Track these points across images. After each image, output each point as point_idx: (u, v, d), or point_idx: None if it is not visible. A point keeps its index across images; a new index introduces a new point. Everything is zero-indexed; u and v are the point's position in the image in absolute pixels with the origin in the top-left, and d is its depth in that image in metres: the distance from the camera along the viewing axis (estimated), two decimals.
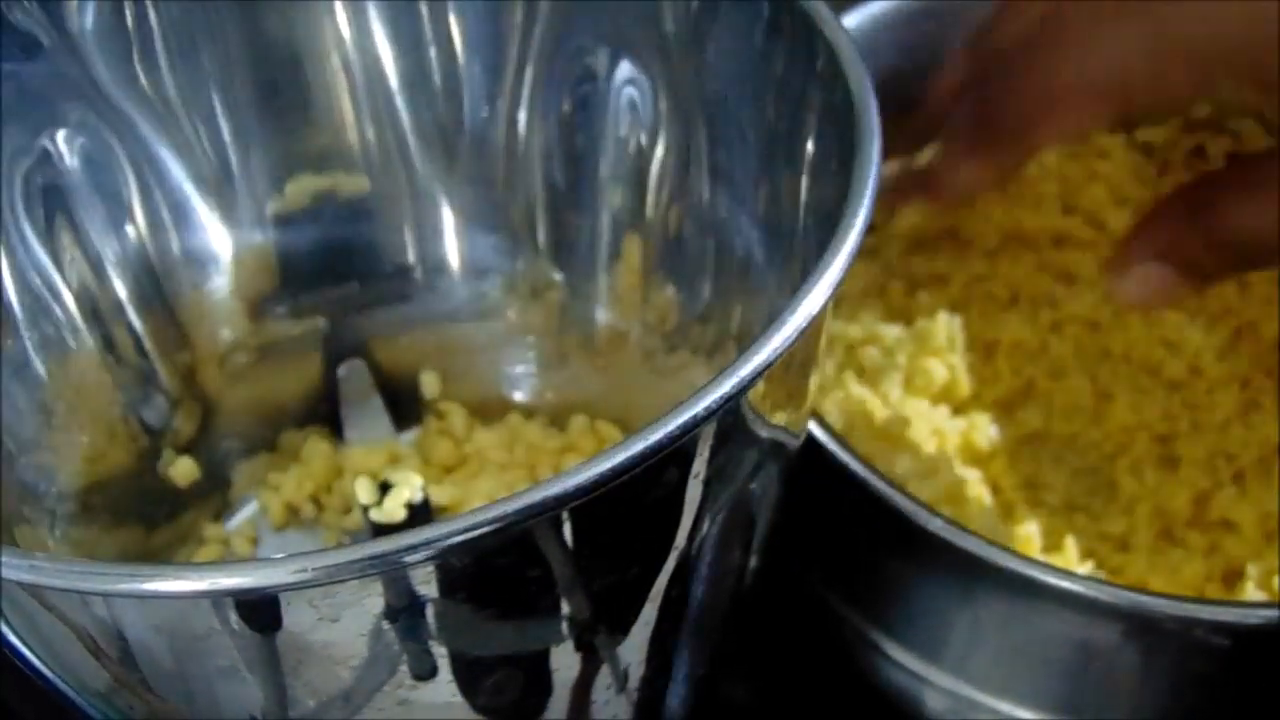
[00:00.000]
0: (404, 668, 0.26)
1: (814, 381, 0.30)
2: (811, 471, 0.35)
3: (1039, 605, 0.34)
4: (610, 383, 0.41)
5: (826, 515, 0.38)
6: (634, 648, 0.28)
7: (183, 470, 0.39)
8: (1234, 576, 0.39)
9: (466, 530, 0.22)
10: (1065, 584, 0.33)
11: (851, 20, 0.44)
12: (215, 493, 0.40)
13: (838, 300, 0.43)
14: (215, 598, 0.23)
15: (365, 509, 0.37)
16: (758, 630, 0.36)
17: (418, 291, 0.41)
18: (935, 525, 0.34)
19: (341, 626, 0.24)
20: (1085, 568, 0.39)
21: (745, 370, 0.24)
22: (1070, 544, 0.39)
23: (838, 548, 0.39)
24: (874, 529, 0.36)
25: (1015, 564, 0.33)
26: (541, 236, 0.40)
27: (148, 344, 0.38)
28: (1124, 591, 0.33)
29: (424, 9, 0.37)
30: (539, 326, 0.41)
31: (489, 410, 0.42)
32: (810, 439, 0.35)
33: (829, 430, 0.35)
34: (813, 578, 0.39)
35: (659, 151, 0.37)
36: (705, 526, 0.27)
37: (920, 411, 0.41)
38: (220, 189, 0.39)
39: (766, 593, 0.34)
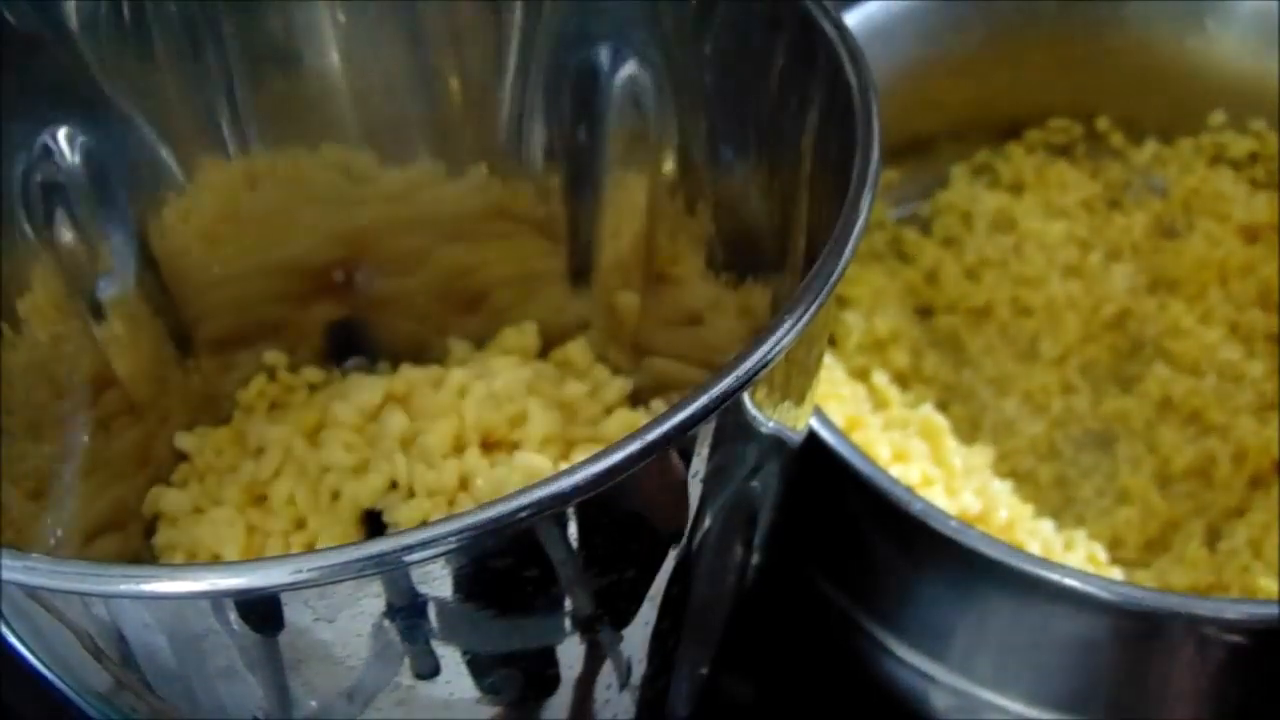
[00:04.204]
0: (403, 667, 0.26)
1: (815, 379, 0.30)
2: (816, 469, 0.35)
3: (1044, 603, 0.34)
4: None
5: (831, 513, 0.37)
6: (635, 647, 0.28)
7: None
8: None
9: (464, 531, 0.22)
10: (1070, 581, 0.33)
11: (871, 9, 0.44)
12: None
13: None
14: (214, 598, 0.23)
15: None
16: (762, 628, 0.36)
17: (420, 285, 0.41)
18: (940, 523, 0.33)
19: (338, 627, 0.24)
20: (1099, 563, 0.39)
21: (742, 369, 0.23)
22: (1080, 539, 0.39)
23: (843, 545, 0.38)
24: (879, 527, 0.36)
25: (1021, 562, 0.33)
26: (543, 231, 0.40)
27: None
28: (1128, 589, 0.33)
29: (424, 7, 0.37)
30: (541, 323, 0.41)
31: None
32: (814, 436, 0.35)
33: (833, 428, 0.35)
34: (817, 575, 0.39)
35: (660, 147, 0.37)
36: (705, 525, 0.27)
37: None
38: None
39: (771, 591, 0.34)
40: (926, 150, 0.48)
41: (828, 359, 0.44)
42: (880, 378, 0.43)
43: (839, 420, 0.40)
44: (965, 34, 0.46)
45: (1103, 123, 0.49)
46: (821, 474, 0.35)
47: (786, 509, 0.32)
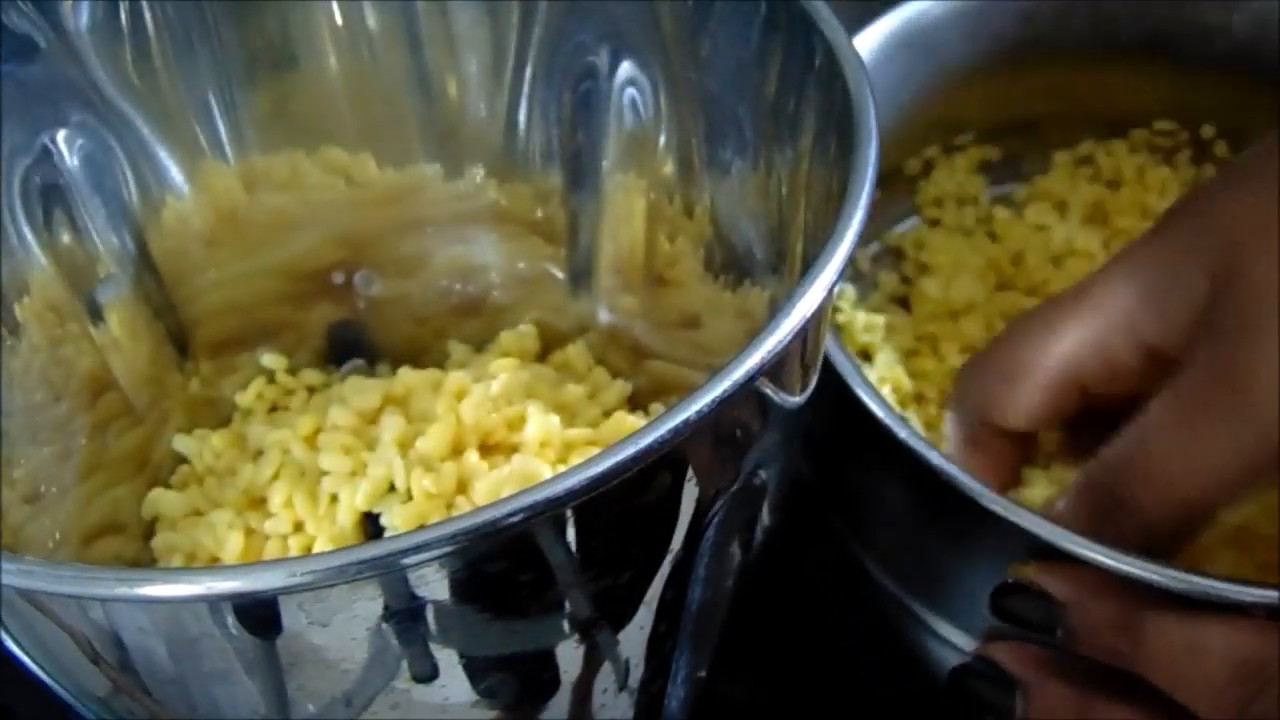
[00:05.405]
0: (399, 671, 0.26)
1: (814, 376, 0.30)
2: (863, 445, 0.34)
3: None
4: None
5: (878, 492, 0.37)
6: (631, 650, 0.28)
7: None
8: None
9: (459, 535, 0.22)
10: (1116, 563, 0.32)
11: (888, 24, 0.44)
12: None
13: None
14: (209, 602, 0.23)
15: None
16: (764, 627, 0.36)
17: (418, 288, 0.41)
18: (990, 501, 0.33)
19: (333, 631, 0.24)
20: None
21: (738, 373, 0.23)
22: None
23: (890, 526, 0.38)
24: (929, 504, 0.35)
25: (1070, 543, 0.32)
26: (542, 234, 0.40)
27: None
28: (1179, 572, 0.32)
29: (420, 8, 0.37)
30: (540, 325, 0.41)
31: None
32: (862, 410, 0.34)
33: (882, 402, 0.35)
34: (863, 553, 0.39)
35: (659, 149, 0.37)
36: (703, 527, 0.27)
37: None
38: None
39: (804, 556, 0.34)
40: (1031, 133, 0.48)
41: (896, 323, 0.44)
42: (949, 349, 0.43)
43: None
44: (1070, 25, 0.46)
45: (1208, 130, 0.48)
46: (868, 450, 0.35)
47: (786, 510, 0.32)
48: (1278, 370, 0.31)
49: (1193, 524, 0.33)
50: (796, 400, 0.29)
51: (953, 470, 0.33)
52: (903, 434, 0.34)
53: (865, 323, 0.44)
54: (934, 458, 0.34)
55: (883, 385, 0.42)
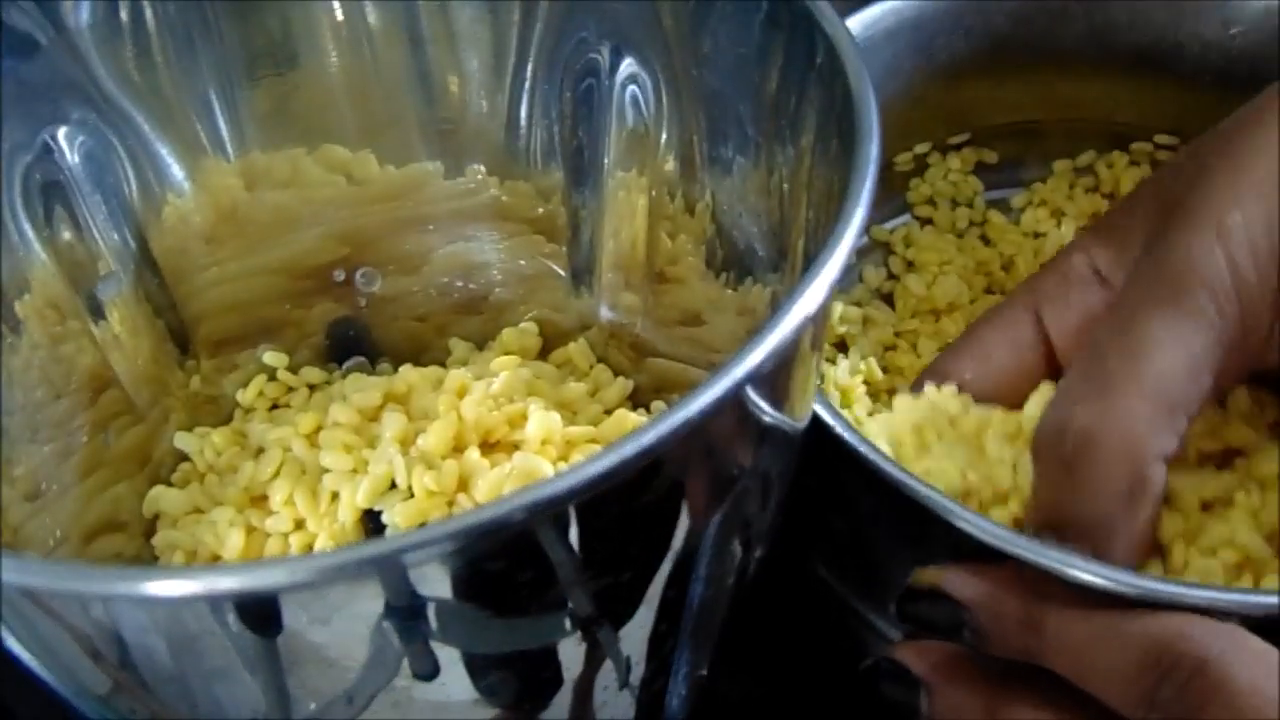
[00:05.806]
0: (400, 669, 0.26)
1: (814, 378, 0.30)
2: (826, 461, 0.34)
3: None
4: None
5: (842, 507, 0.37)
6: (632, 648, 0.28)
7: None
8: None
9: (459, 533, 0.22)
10: (1086, 576, 0.32)
11: (872, 14, 0.44)
12: None
13: None
14: (209, 600, 0.23)
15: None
16: (764, 627, 0.36)
17: (419, 286, 0.41)
18: (954, 515, 0.33)
19: (334, 629, 0.24)
20: None
21: (739, 370, 0.23)
22: None
23: (853, 541, 0.38)
24: (893, 522, 0.35)
25: (1033, 555, 0.32)
26: (543, 232, 0.40)
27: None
28: (1143, 581, 0.32)
29: (421, 6, 0.37)
30: (541, 323, 0.41)
31: None
32: (827, 433, 0.34)
33: (844, 421, 0.35)
34: (823, 569, 0.39)
35: (660, 147, 0.37)
36: (704, 526, 0.27)
37: None
38: None
39: (776, 585, 0.34)
40: (1031, 140, 0.48)
41: (877, 317, 0.44)
42: (928, 346, 0.43)
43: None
44: (1066, 31, 0.46)
45: None
46: (831, 465, 0.35)
47: (788, 508, 0.32)
48: (1214, 258, 0.32)
49: (1144, 467, 0.32)
50: (799, 400, 0.29)
51: (925, 491, 0.33)
52: (831, 420, 0.34)
53: (843, 314, 0.44)
54: (904, 477, 0.33)
55: (854, 376, 0.42)
